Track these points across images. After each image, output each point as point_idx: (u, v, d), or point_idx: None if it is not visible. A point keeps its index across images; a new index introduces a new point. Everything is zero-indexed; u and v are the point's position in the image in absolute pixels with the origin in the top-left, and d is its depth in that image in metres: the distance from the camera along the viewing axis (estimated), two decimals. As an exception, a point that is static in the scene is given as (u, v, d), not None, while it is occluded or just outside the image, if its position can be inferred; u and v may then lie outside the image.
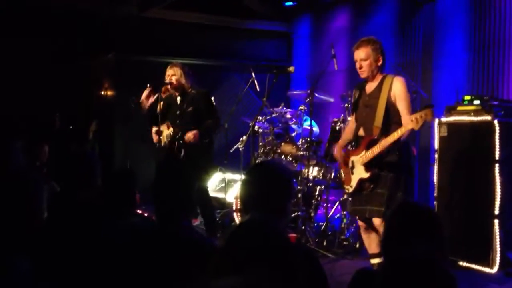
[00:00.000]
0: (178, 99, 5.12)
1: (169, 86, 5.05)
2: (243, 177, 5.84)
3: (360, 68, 3.85)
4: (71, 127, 7.40)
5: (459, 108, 4.60)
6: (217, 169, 6.41)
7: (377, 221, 3.79)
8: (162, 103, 5.08)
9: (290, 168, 5.48)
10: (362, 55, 3.83)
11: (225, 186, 6.38)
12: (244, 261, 1.42)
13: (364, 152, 3.81)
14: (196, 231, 2.41)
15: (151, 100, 5.18)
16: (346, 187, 4.02)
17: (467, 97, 4.59)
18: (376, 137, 3.76)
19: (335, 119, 5.61)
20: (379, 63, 3.85)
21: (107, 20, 7.49)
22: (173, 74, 5.02)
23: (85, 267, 2.34)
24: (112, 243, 2.46)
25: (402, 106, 3.75)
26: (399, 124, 3.71)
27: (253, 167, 2.50)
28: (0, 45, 6.99)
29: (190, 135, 4.95)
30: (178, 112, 5.09)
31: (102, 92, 8.01)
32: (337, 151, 4.16)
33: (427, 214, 1.87)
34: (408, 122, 3.55)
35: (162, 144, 5.20)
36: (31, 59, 7.06)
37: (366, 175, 3.79)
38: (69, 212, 2.86)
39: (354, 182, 3.91)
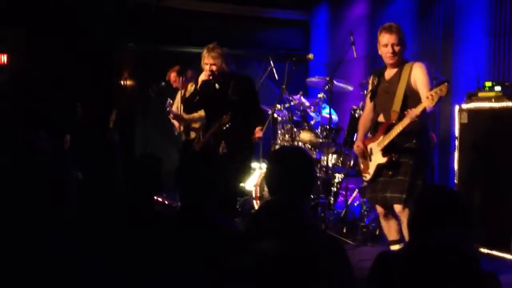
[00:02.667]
0: (217, 86, 4.51)
1: (210, 77, 4.44)
2: (264, 164, 5.89)
3: (393, 52, 3.82)
4: (92, 116, 7.49)
5: (480, 94, 4.57)
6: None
7: (398, 208, 3.79)
8: (195, 90, 4.67)
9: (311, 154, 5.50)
10: (395, 39, 3.81)
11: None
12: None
13: (382, 137, 3.82)
14: (220, 216, 2.45)
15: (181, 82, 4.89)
16: (364, 174, 4.03)
17: (488, 83, 4.55)
18: (394, 121, 3.77)
19: (354, 107, 5.60)
20: (404, 50, 3.88)
21: (127, 9, 7.54)
22: (212, 64, 4.38)
23: (110, 256, 2.40)
24: (136, 229, 2.51)
25: (422, 89, 3.74)
26: None
27: (279, 151, 2.53)
28: (22, 35, 7.09)
29: (259, 134, 4.47)
30: (218, 101, 4.49)
31: (122, 82, 8.09)
32: (357, 146, 4.08)
33: (454, 198, 1.88)
34: (424, 100, 3.54)
35: (191, 137, 5.03)
36: (51, 50, 7.15)
37: (383, 160, 3.80)
38: (93, 200, 2.92)
39: (372, 169, 3.91)
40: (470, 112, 4.57)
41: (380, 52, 3.92)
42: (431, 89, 3.58)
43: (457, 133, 4.67)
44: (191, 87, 5.64)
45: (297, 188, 1.96)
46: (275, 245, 0.99)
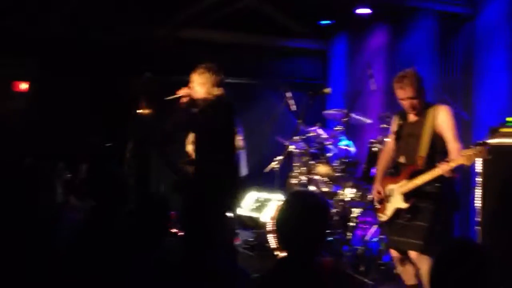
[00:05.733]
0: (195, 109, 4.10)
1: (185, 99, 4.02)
2: (279, 195, 5.80)
3: (412, 106, 3.70)
4: (108, 145, 7.50)
5: (502, 130, 4.46)
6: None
7: (413, 254, 3.67)
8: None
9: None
10: (410, 93, 3.66)
11: (260, 205, 6.34)
12: None
13: (405, 181, 3.69)
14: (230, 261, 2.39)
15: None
16: (380, 215, 3.89)
17: (510, 119, 4.46)
18: (421, 167, 3.64)
19: (372, 140, 5.50)
20: (424, 95, 3.74)
21: (144, 40, 7.60)
22: (191, 82, 4.09)
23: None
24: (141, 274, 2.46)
25: (449, 134, 3.63)
26: (445, 154, 3.59)
27: (290, 201, 2.30)
28: (39, 63, 7.17)
29: None
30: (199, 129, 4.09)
31: (139, 111, 8.11)
32: (377, 193, 3.91)
33: (478, 257, 1.79)
34: (459, 157, 3.42)
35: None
36: (67, 79, 7.21)
37: (404, 205, 3.67)
38: (103, 232, 2.89)
39: (389, 211, 3.78)
40: (493, 148, 4.44)
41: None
42: (458, 135, 3.52)
43: (479, 169, 4.54)
44: None
45: (307, 242, 1.91)
46: None
